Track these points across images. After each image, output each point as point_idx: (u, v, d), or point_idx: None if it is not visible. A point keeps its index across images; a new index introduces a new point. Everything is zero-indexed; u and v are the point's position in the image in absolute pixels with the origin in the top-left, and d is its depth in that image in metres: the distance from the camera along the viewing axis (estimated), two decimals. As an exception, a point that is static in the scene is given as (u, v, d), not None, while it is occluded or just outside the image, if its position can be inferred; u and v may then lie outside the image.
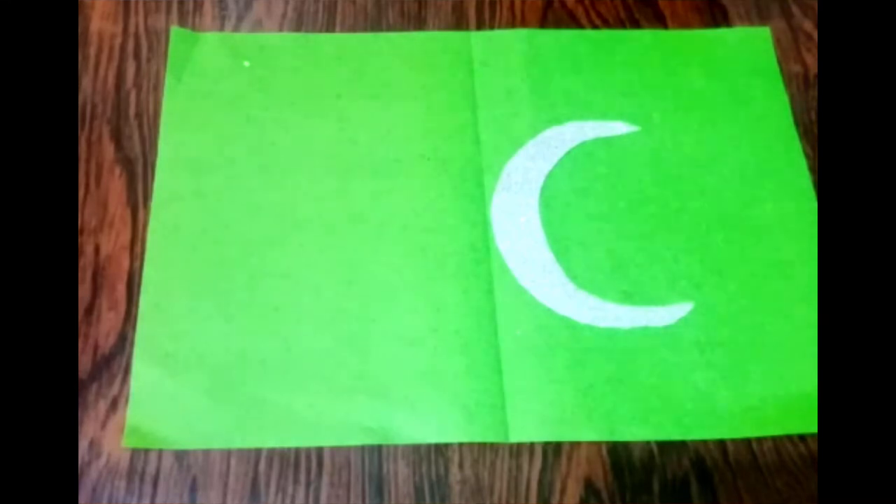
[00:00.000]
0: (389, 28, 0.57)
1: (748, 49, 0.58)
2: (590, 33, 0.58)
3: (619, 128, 0.55)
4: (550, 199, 0.52)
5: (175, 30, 0.56)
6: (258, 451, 0.45)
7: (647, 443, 0.46)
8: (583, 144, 0.54)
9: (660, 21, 0.59)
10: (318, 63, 0.56)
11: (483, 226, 0.51)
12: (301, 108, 0.55)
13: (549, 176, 0.53)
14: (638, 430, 0.46)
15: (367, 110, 0.55)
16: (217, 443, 0.45)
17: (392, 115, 0.54)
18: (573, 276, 0.50)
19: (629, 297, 0.50)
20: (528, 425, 0.46)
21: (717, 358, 0.48)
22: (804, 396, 0.47)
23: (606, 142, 0.54)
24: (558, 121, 0.55)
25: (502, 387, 0.47)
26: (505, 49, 0.57)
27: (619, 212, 0.52)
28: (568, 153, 0.54)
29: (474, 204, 0.52)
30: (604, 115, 0.55)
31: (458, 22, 0.58)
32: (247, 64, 0.56)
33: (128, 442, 0.45)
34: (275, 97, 0.55)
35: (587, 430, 0.46)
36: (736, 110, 0.56)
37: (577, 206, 0.52)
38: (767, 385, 0.48)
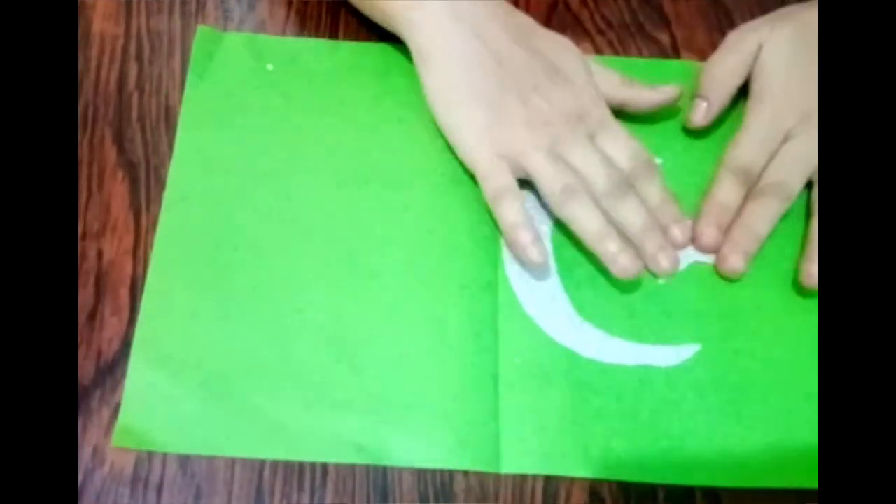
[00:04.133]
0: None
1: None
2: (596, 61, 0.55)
3: None
4: (563, 228, 0.51)
5: (201, 28, 0.55)
6: (262, 460, 0.45)
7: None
8: None
9: (665, 24, 0.59)
10: (343, 71, 0.55)
11: (493, 250, 0.50)
12: (320, 116, 0.54)
13: None
14: (634, 471, 0.45)
15: (388, 123, 0.54)
16: (207, 448, 0.44)
17: (412, 130, 0.53)
18: (580, 307, 0.49)
19: (636, 333, 0.48)
20: (522, 457, 0.45)
21: (719, 403, 0.46)
22: (806, 450, 0.45)
23: None
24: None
25: (498, 415, 0.46)
26: None
27: None
28: None
29: (485, 227, 0.51)
30: None
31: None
32: (270, 67, 0.55)
33: (117, 442, 0.44)
34: (295, 103, 0.54)
35: (582, 467, 0.45)
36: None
37: None
38: (768, 435, 0.46)
